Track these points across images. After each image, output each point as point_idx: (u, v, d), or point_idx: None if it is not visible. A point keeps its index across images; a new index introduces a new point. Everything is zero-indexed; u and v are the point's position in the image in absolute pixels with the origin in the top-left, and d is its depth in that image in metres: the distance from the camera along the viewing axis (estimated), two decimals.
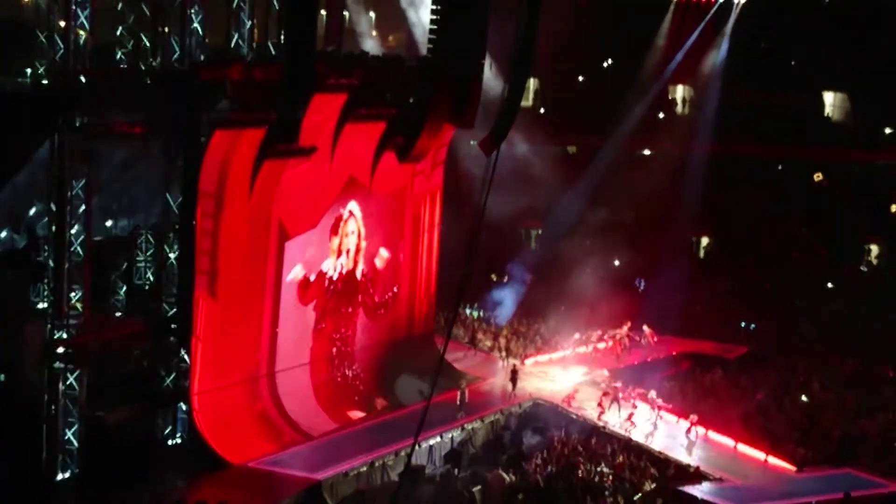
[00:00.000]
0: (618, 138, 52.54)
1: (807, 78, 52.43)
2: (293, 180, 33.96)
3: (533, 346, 44.39)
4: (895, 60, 48.31)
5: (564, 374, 41.60)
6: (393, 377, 38.82)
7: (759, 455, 35.41)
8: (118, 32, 32.28)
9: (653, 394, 37.50)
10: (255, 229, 33.39)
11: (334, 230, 36.99)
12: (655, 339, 45.06)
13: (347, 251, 37.82)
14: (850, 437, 37.15)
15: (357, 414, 36.89)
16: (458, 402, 37.22)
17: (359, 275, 38.46)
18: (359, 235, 38.26)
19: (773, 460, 35.15)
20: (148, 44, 32.42)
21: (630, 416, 36.78)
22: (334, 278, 37.31)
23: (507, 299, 47.31)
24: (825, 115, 55.49)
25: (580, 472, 33.85)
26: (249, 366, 34.04)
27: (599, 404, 37.52)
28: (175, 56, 31.74)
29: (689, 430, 35.88)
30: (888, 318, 45.14)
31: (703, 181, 51.30)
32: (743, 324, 48.46)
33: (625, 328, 44.76)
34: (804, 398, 40.25)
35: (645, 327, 45.13)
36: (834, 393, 40.43)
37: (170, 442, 32.48)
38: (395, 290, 40.35)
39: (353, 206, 37.68)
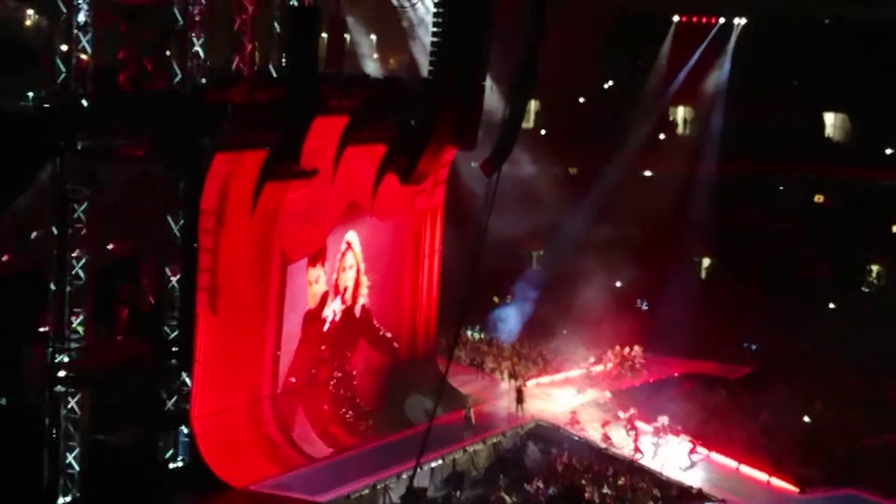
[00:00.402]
0: (619, 159, 52.57)
1: (807, 98, 52.48)
2: (295, 203, 33.98)
3: (535, 368, 44.32)
4: (895, 80, 48.36)
5: (567, 396, 41.52)
6: (394, 399, 38.73)
7: (762, 476, 35.33)
8: (120, 55, 32.32)
9: (665, 420, 37.25)
10: (258, 252, 33.40)
11: (332, 265, 37.12)
12: (662, 358, 44.97)
13: (346, 289, 37.90)
14: (854, 457, 37.07)
15: (353, 438, 36.76)
16: (464, 422, 37.20)
17: (358, 311, 38.50)
18: (357, 270, 38.29)
19: (776, 481, 35.07)
20: (150, 66, 32.47)
21: (636, 440, 36.67)
22: (336, 319, 37.43)
23: (512, 319, 47.27)
24: (826, 135, 55.54)
25: (583, 493, 33.75)
26: (252, 388, 33.99)
27: (604, 428, 37.49)
28: (177, 79, 31.80)
29: (691, 452, 35.82)
30: (891, 338, 45.11)
31: (705, 202, 51.34)
32: (745, 344, 48.38)
33: (628, 349, 44.72)
34: (807, 418, 40.17)
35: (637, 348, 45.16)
36: (837, 413, 40.34)
37: (171, 465, 32.38)
38: (397, 320, 40.36)
39: (351, 236, 37.69)
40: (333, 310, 37.55)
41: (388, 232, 39.31)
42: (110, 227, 33.56)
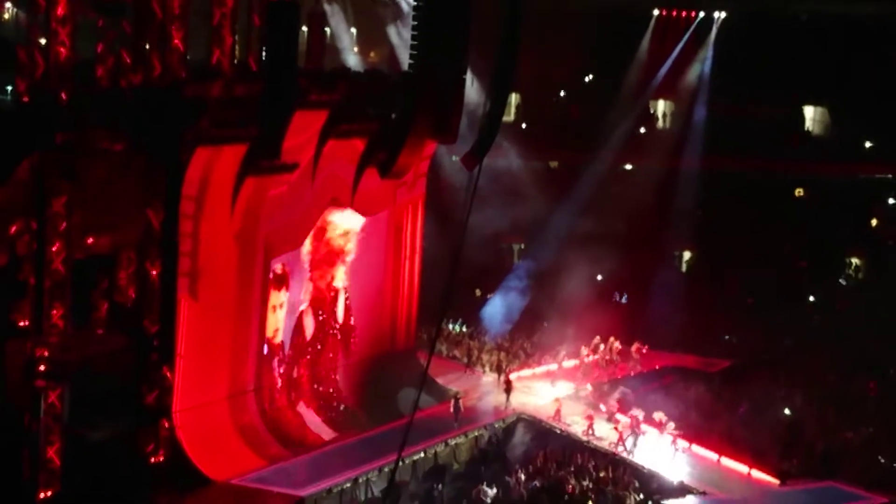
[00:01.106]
0: (599, 153, 52.68)
1: (787, 92, 52.68)
2: (278, 198, 33.96)
3: (517, 361, 44.38)
4: (875, 75, 48.55)
5: (548, 389, 41.58)
6: (376, 393, 38.72)
7: (743, 469, 35.46)
8: (99, 49, 32.20)
9: (662, 416, 37.26)
10: (241, 245, 33.35)
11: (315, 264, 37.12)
12: (643, 352, 45.05)
13: (328, 283, 38.00)
14: (834, 450, 37.24)
15: (334, 432, 36.74)
16: (453, 413, 37.35)
17: (339, 305, 38.54)
18: (339, 264, 38.39)
19: (756, 474, 35.20)
20: (129, 60, 32.37)
21: (619, 432, 36.76)
22: (317, 313, 37.52)
23: (500, 314, 47.35)
24: (805, 129, 55.75)
25: (565, 486, 33.83)
26: (234, 382, 33.93)
27: (586, 420, 37.60)
28: (156, 73, 31.70)
29: (672, 443, 35.94)
30: (869, 331, 45.35)
31: (685, 195, 51.49)
32: (725, 337, 48.57)
33: (611, 342, 44.82)
34: (787, 411, 40.33)
35: (635, 344, 45.21)
36: (816, 406, 40.52)
37: (152, 459, 32.31)
38: (379, 314, 40.41)
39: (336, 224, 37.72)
40: (315, 303, 37.53)
41: (370, 226, 39.26)
42: (90, 222, 33.43)
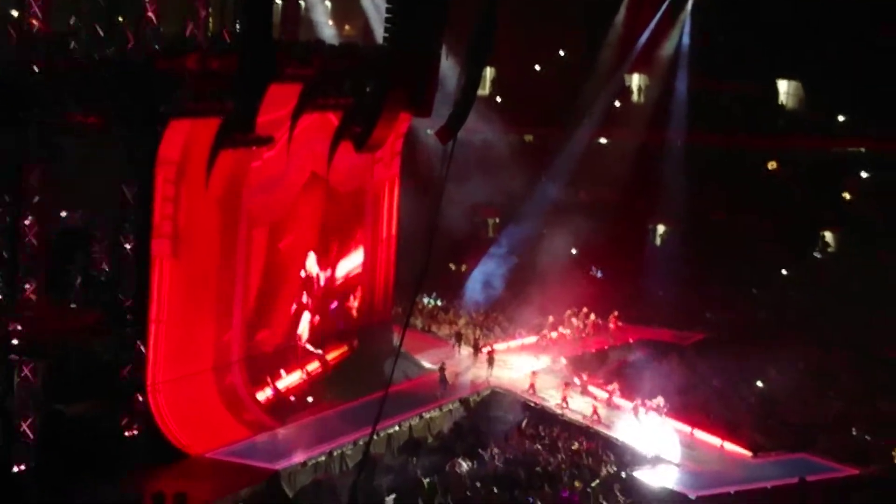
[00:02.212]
0: (574, 127, 52.67)
1: (761, 66, 52.67)
2: (258, 170, 33.93)
3: (492, 335, 44.51)
4: (849, 48, 48.61)
5: (523, 363, 41.73)
6: (351, 366, 38.78)
7: (716, 441, 35.71)
8: (72, 22, 31.96)
9: (660, 401, 37.31)
10: (224, 214, 33.31)
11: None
12: (618, 325, 45.28)
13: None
14: (806, 423, 37.53)
15: (308, 405, 36.79)
16: (439, 383, 37.70)
17: (316, 279, 38.59)
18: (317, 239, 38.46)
19: (729, 446, 35.46)
20: (102, 33, 32.13)
21: (595, 409, 36.94)
22: (295, 286, 37.62)
23: (481, 287, 47.52)
24: (779, 103, 55.80)
25: (538, 459, 34.00)
26: (209, 356, 33.87)
27: (560, 394, 37.75)
28: (130, 46, 31.47)
29: (645, 415, 36.18)
30: (842, 305, 45.62)
31: (660, 169, 51.56)
32: (700, 311, 48.76)
33: (584, 315, 44.99)
34: (760, 384, 40.59)
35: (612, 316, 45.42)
36: (790, 379, 40.77)
37: (127, 434, 32.26)
38: (355, 287, 40.47)
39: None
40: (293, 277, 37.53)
41: (347, 201, 39.23)
42: (64, 196, 33.32)
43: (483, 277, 48.24)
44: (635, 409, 36.88)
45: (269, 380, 35.97)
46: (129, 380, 31.96)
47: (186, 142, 31.39)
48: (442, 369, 38.48)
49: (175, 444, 31.56)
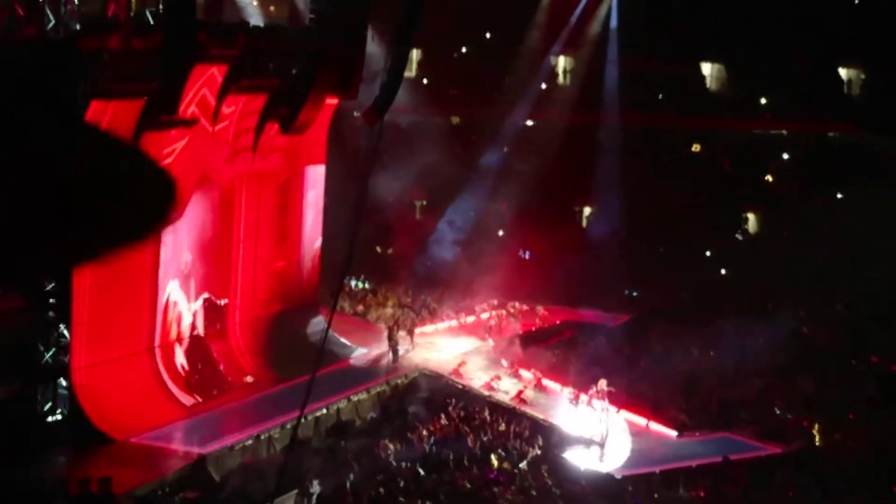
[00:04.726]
0: (501, 109, 52.76)
1: (685, 48, 53.07)
2: (180, 153, 33.55)
3: (420, 317, 44.50)
4: (772, 31, 49.12)
5: (451, 345, 41.79)
6: (277, 350, 38.58)
7: (642, 421, 36.04)
8: None
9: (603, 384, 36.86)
10: None
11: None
12: (545, 308, 45.52)
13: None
14: (729, 401, 37.99)
15: (234, 390, 36.53)
16: (390, 357, 38.30)
17: (237, 263, 38.28)
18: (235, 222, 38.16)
19: (654, 426, 35.81)
20: (22, 12, 31.52)
21: (520, 391, 37.08)
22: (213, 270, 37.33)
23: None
24: (704, 85, 56.29)
25: (466, 441, 34.10)
26: (133, 340, 33.54)
27: (488, 375, 37.88)
28: (50, 25, 30.94)
29: (574, 399, 36.40)
30: (763, 285, 46.21)
31: (585, 151, 51.84)
32: (626, 292, 49.17)
33: (510, 305, 45.13)
34: (684, 364, 40.98)
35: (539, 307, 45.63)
36: (712, 359, 41.21)
37: (50, 419, 31.87)
38: (278, 270, 40.24)
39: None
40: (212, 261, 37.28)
41: (268, 183, 38.95)
42: None
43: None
44: (576, 395, 36.71)
45: (188, 372, 35.70)
46: (51, 364, 31.56)
47: (108, 123, 30.92)
48: (395, 345, 38.72)
49: (100, 428, 31.19)
